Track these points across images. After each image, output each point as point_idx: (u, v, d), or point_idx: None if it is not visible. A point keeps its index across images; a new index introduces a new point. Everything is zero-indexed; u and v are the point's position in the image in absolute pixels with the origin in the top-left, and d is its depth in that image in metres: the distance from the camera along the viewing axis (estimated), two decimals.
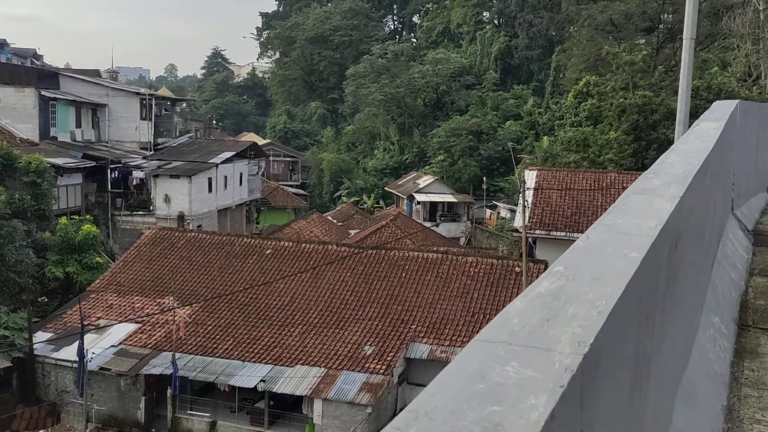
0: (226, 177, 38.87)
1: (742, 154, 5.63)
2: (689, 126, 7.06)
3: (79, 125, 38.18)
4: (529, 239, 32.14)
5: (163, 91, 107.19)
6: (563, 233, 30.01)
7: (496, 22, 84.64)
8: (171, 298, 23.76)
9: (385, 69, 70.27)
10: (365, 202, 63.57)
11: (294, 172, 75.69)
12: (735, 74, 44.89)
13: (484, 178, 51.16)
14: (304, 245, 27.02)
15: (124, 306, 24.06)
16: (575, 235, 29.60)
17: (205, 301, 23.59)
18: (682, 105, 7.07)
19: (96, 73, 72.96)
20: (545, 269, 25.02)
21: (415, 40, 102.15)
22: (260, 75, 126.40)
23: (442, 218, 49.49)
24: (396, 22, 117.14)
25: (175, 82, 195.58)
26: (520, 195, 24.55)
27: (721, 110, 4.62)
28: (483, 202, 50.82)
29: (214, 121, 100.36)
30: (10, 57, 54.27)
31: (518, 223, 31.08)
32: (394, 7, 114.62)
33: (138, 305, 24.03)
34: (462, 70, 72.45)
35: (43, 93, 35.14)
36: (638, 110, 38.97)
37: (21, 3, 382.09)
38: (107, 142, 39.68)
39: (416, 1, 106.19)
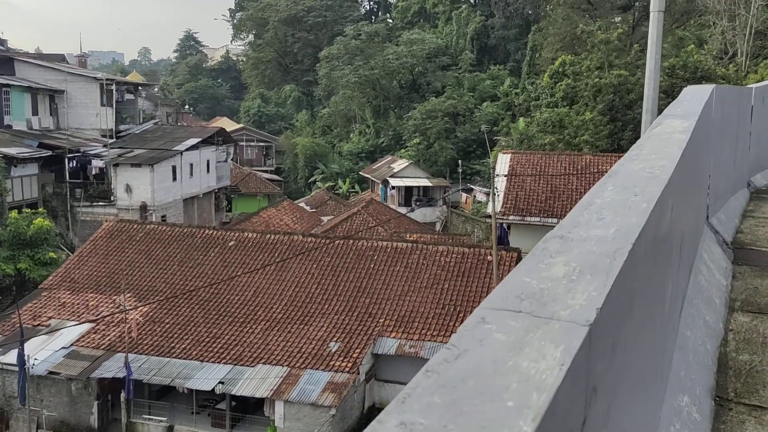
0: (192, 165, 37.50)
1: (719, 150, 4.69)
2: (658, 113, 6.10)
3: (36, 113, 36.54)
4: (504, 225, 31.36)
5: (134, 76, 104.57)
6: (537, 219, 29.25)
7: (472, 1, 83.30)
8: (127, 295, 22.60)
9: (359, 50, 68.79)
10: (340, 187, 62.43)
11: (268, 157, 74.21)
12: (711, 52, 44.25)
13: (460, 162, 50.23)
14: (269, 236, 25.93)
15: (78, 304, 22.86)
16: (550, 220, 28.85)
17: (164, 298, 22.47)
18: (650, 90, 6.11)
19: (61, 57, 70.67)
20: (518, 258, 24.25)
21: (391, 20, 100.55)
22: (234, 58, 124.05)
23: (418, 203, 48.51)
24: (372, 2, 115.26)
25: (149, 66, 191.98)
26: (491, 181, 23.64)
27: (692, 101, 3.67)
28: (459, 185, 49.93)
29: (186, 106, 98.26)
30: None
31: (490, 208, 30.23)
32: None
33: (92, 303, 22.85)
34: (438, 51, 71.15)
35: None
36: (614, 90, 38.19)
37: None
38: (66, 130, 38.07)
39: None
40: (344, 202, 51.30)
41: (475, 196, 49.24)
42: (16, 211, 26.84)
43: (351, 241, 25.20)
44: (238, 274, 23.22)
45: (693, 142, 2.84)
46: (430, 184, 49.52)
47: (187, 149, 36.71)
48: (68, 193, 33.22)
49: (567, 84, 42.57)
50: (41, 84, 36.92)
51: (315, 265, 24.19)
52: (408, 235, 34.98)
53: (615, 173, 2.06)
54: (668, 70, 39.25)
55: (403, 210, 47.48)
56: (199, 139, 38.82)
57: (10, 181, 30.34)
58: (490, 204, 30.66)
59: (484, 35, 76.25)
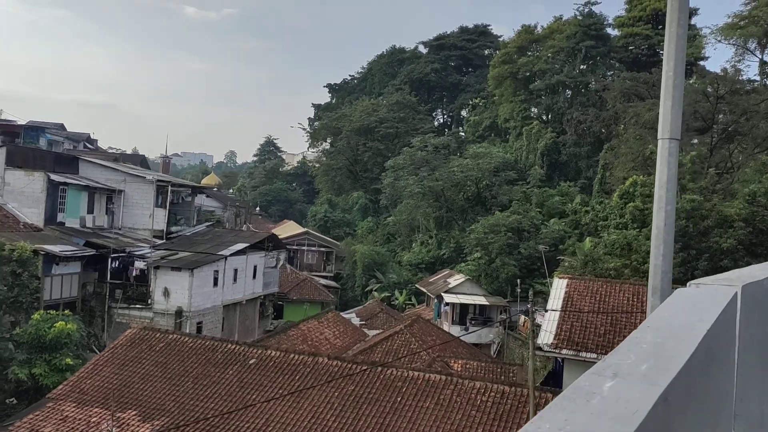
0: (236, 270, 36.64)
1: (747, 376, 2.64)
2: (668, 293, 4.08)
3: (91, 211, 37.03)
4: (558, 359, 28.33)
5: (211, 178, 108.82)
6: (594, 355, 26.07)
7: (544, 117, 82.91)
8: (131, 413, 20.92)
9: (425, 161, 68.63)
10: (397, 299, 60.43)
11: (328, 263, 73.48)
12: None
13: (518, 281, 47.57)
14: (292, 356, 24.00)
15: (80, 420, 21.30)
16: None
17: (169, 426, 20.66)
18: (658, 247, 4.14)
19: (141, 159, 74.02)
20: None
21: (463, 133, 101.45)
22: (309, 164, 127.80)
23: (472, 322, 45.74)
24: (445, 116, 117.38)
25: (232, 169, 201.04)
26: (529, 315, 21.16)
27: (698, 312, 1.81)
28: (518, 306, 46.98)
29: (257, 208, 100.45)
30: (49, 139, 54.87)
31: (543, 338, 27.40)
32: (444, 100, 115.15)
33: (95, 419, 21.24)
34: (505, 165, 70.17)
35: (52, 177, 34.22)
36: (686, 216, 35.30)
37: (100, 91, 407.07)
38: (120, 229, 38.34)
39: (464, 96, 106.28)
40: (396, 315, 49.12)
41: (534, 319, 46.05)
42: (42, 311, 26.21)
43: (379, 368, 22.93)
44: (253, 402, 21.26)
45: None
46: (486, 303, 46.81)
47: (232, 254, 36.00)
48: (107, 294, 32.76)
49: (635, 206, 39.96)
50: (99, 183, 37.67)
51: (337, 394, 21.93)
52: (453, 361, 32.29)
53: None
54: (750, 198, 36.27)
55: (456, 329, 44.85)
56: (247, 244, 38.19)
57: (50, 279, 30.09)
58: (542, 335, 27.92)
59: (554, 151, 75.01)
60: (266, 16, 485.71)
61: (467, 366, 31.43)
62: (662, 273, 4.19)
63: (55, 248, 30.39)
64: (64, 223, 35.11)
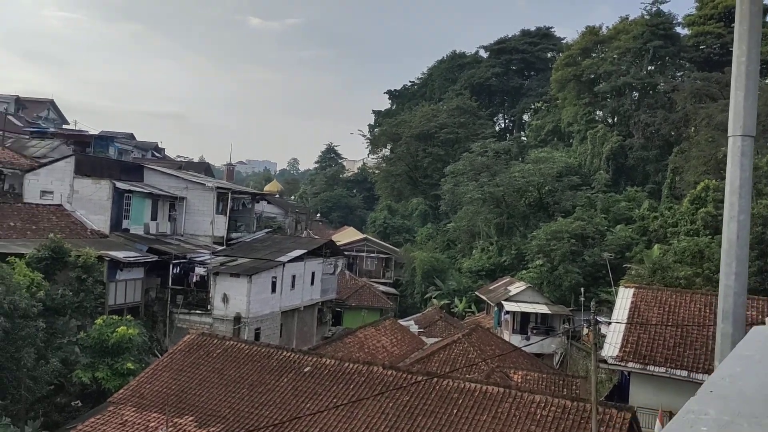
0: (294, 276, 36.74)
1: None
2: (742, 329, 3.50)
3: (155, 218, 37.91)
4: (625, 372, 27.10)
5: (273, 185, 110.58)
6: (663, 369, 24.79)
7: (609, 121, 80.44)
8: (188, 419, 21.07)
9: (485, 167, 67.54)
10: (456, 306, 59.56)
11: (387, 269, 73.21)
12: None
13: (582, 289, 46.03)
14: (347, 365, 23.70)
15: (138, 424, 21.57)
16: (678, 372, 24.38)
17: (224, 428, 20.69)
18: (730, 264, 3.54)
19: (206, 166, 75.76)
20: (632, 419, 20.17)
21: (524, 138, 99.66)
22: (369, 170, 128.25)
23: (534, 331, 44.50)
24: (506, 120, 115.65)
25: (295, 176, 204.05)
26: (591, 326, 20.20)
27: None
28: (581, 315, 45.44)
29: (318, 214, 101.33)
30: (119, 149, 56.75)
31: (608, 350, 26.25)
32: (505, 105, 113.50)
33: (153, 424, 21.48)
34: (568, 170, 68.29)
35: (118, 185, 35.19)
36: (763, 222, 33.33)
37: (169, 102, 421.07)
38: (182, 235, 39.09)
39: (526, 100, 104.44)
40: (455, 323, 48.34)
41: (599, 329, 44.42)
42: (105, 316, 26.83)
43: (434, 379, 22.36)
44: (307, 412, 21.07)
45: None
46: (548, 312, 45.45)
47: (290, 260, 36.13)
48: (169, 299, 33.37)
49: (707, 212, 38.03)
50: (162, 191, 38.53)
51: (391, 404, 21.48)
52: (512, 372, 31.37)
53: None
54: None
55: (517, 338, 43.73)
56: (305, 251, 38.27)
57: (115, 284, 30.86)
58: (608, 344, 26.72)
59: (621, 155, 72.52)
60: (328, 24, 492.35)
61: (528, 377, 30.47)
62: (734, 295, 3.57)
63: (119, 254, 31.16)
64: (128, 230, 36.04)
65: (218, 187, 40.10)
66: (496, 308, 48.51)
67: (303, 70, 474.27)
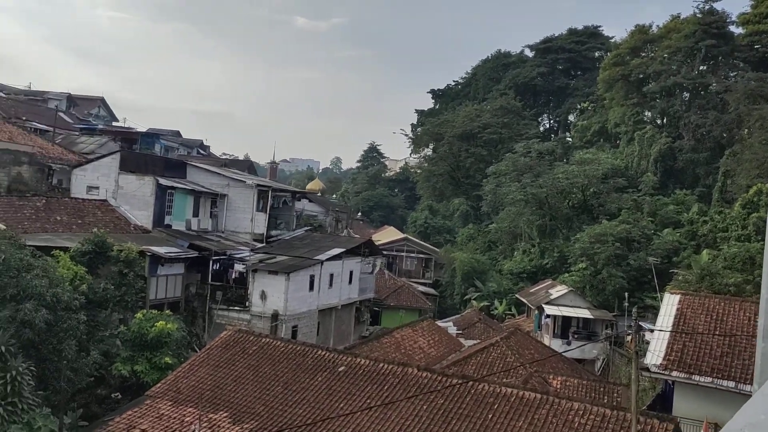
0: (332, 275, 36.75)
1: None
2: None
3: (196, 214, 38.39)
4: (668, 382, 26.20)
5: (315, 184, 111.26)
6: (709, 379, 23.86)
7: (658, 122, 78.38)
8: (222, 414, 21.18)
9: (528, 168, 66.53)
10: (496, 308, 58.82)
11: (427, 270, 72.81)
12: None
13: (626, 294, 44.89)
14: (381, 365, 23.49)
15: (174, 418, 21.77)
16: (725, 383, 23.43)
17: (258, 425, 20.73)
18: None
19: (249, 164, 76.63)
20: (674, 431, 19.44)
21: (570, 139, 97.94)
22: (411, 170, 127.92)
23: (575, 336, 43.57)
24: (551, 121, 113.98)
25: (337, 174, 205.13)
26: (633, 333, 19.50)
27: None
28: (625, 320, 44.30)
29: (359, 213, 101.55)
30: (165, 145, 57.82)
31: (651, 358, 25.42)
32: (550, 105, 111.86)
33: (188, 419, 21.65)
34: (614, 172, 66.73)
35: (161, 182, 35.73)
36: None
37: (216, 100, 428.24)
38: (223, 232, 39.51)
39: (572, 100, 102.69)
40: (494, 326, 47.70)
41: (643, 335, 43.28)
42: (144, 311, 27.22)
43: (470, 383, 21.98)
44: (341, 413, 20.96)
45: None
46: (590, 316, 44.42)
47: (328, 259, 36.14)
48: (208, 295, 33.73)
49: (760, 217, 36.63)
50: (204, 187, 39.01)
51: (425, 407, 21.18)
52: (551, 377, 30.72)
53: None
54: None
55: (557, 342, 42.88)
56: (343, 250, 38.25)
57: (156, 279, 31.32)
58: (649, 355, 25.88)
59: (669, 157, 70.54)
60: (374, 24, 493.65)
61: (567, 383, 29.77)
62: None
63: (160, 250, 31.60)
64: (170, 226, 36.57)
65: (258, 185, 40.39)
66: (536, 311, 47.71)
67: (348, 69, 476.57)
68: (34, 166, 36.37)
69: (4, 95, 62.18)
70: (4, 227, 27.40)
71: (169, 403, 22.80)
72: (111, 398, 26.61)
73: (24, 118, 49.02)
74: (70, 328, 22.17)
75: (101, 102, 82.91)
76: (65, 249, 27.45)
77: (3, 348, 19.37)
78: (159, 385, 24.01)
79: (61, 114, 60.26)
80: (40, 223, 31.45)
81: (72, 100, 74.25)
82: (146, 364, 25.23)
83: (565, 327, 44.62)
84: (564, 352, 38.61)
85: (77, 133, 52.23)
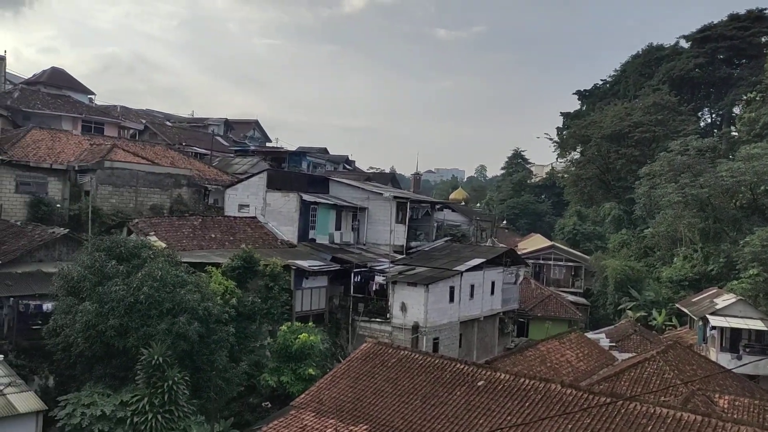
0: (472, 286, 36.05)
1: None
2: None
3: (338, 228, 39.43)
4: None
5: (458, 193, 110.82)
6: None
7: None
8: (362, 427, 21.31)
9: (686, 167, 61.53)
10: (655, 319, 54.81)
11: (577, 278, 69.61)
12: None
13: None
14: (522, 380, 22.50)
15: (317, 430, 22.21)
16: None
17: None
18: None
19: (390, 176, 77.94)
20: None
21: (735, 133, 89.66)
22: (558, 175, 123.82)
23: (747, 350, 39.41)
24: (713, 115, 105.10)
25: (482, 182, 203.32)
26: None
27: None
28: None
29: (504, 221, 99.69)
30: (312, 162, 60.27)
31: None
32: (711, 98, 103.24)
33: (330, 431, 22.00)
34: None
35: (304, 198, 37.09)
36: None
37: (362, 115, 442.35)
38: (364, 245, 40.22)
39: (736, 91, 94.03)
40: (652, 338, 44.34)
41: None
42: (289, 323, 28.21)
43: (620, 401, 20.42)
44: (478, 430, 20.31)
45: None
46: (765, 328, 39.98)
47: (468, 270, 35.52)
48: (351, 307, 34.38)
49: None
50: (346, 201, 39.99)
51: (570, 426, 19.95)
52: (718, 396, 27.83)
53: None
54: None
55: (725, 357, 39.05)
56: (483, 260, 37.43)
57: (301, 291, 32.45)
58: None
59: None
60: (514, 29, 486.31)
61: (736, 403, 26.79)
62: None
63: (304, 263, 32.72)
64: (314, 240, 37.83)
65: (396, 197, 40.72)
66: (700, 323, 43.76)
67: (489, 76, 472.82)
68: (192, 188, 39.25)
69: (169, 124, 68.01)
70: (165, 245, 29.67)
71: (312, 414, 23.33)
72: (261, 407, 27.78)
73: (185, 144, 53.22)
74: (220, 340, 23.40)
75: (255, 124, 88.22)
76: (217, 265, 29.20)
77: (161, 359, 20.81)
78: (303, 395, 24.67)
79: (219, 138, 64.80)
80: (196, 240, 33.81)
81: (229, 125, 79.71)
82: (291, 375, 26.08)
83: (734, 340, 40.52)
84: (734, 368, 35.00)
85: (232, 155, 55.83)
